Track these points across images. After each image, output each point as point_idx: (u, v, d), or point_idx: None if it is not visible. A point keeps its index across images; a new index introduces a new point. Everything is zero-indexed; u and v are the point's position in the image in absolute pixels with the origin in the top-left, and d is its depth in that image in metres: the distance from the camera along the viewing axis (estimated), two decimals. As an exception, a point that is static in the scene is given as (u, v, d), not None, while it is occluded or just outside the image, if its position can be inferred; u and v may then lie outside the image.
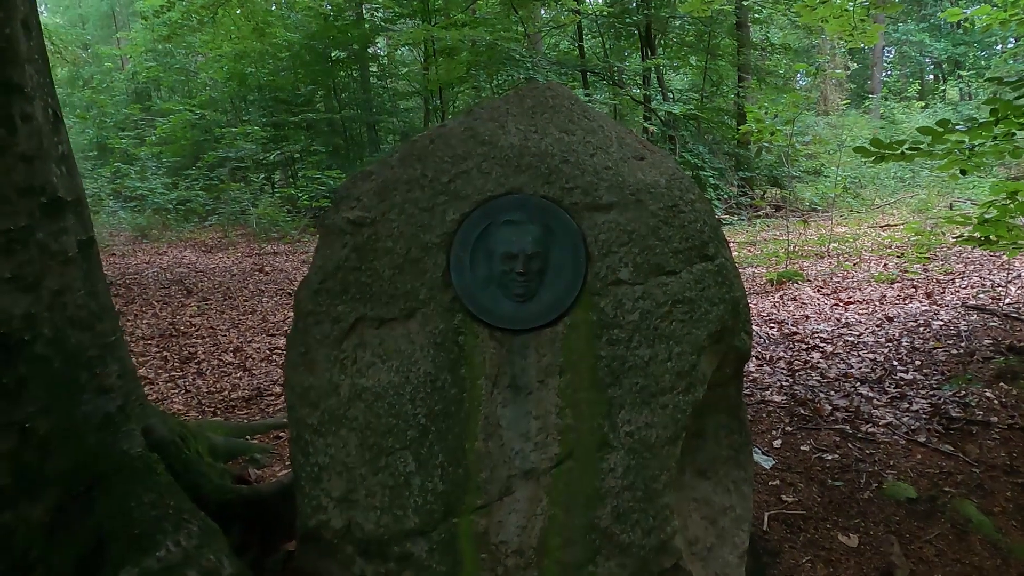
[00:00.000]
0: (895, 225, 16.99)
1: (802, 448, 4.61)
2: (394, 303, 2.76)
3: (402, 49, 24.41)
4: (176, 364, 7.57)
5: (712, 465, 3.27)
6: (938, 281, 9.68)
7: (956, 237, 6.74)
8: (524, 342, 2.59)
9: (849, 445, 4.66)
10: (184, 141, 22.08)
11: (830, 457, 4.49)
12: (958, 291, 8.93)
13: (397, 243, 2.83)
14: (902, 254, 12.31)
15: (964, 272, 10.23)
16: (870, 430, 4.84)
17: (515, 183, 2.66)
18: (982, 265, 11.00)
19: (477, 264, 2.53)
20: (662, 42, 22.41)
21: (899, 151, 5.58)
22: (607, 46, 22.85)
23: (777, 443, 4.64)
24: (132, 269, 14.72)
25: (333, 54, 21.86)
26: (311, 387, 2.91)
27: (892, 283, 9.88)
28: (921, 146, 5.47)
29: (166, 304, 10.93)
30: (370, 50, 23.00)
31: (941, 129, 5.17)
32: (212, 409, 5.75)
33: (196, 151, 22.50)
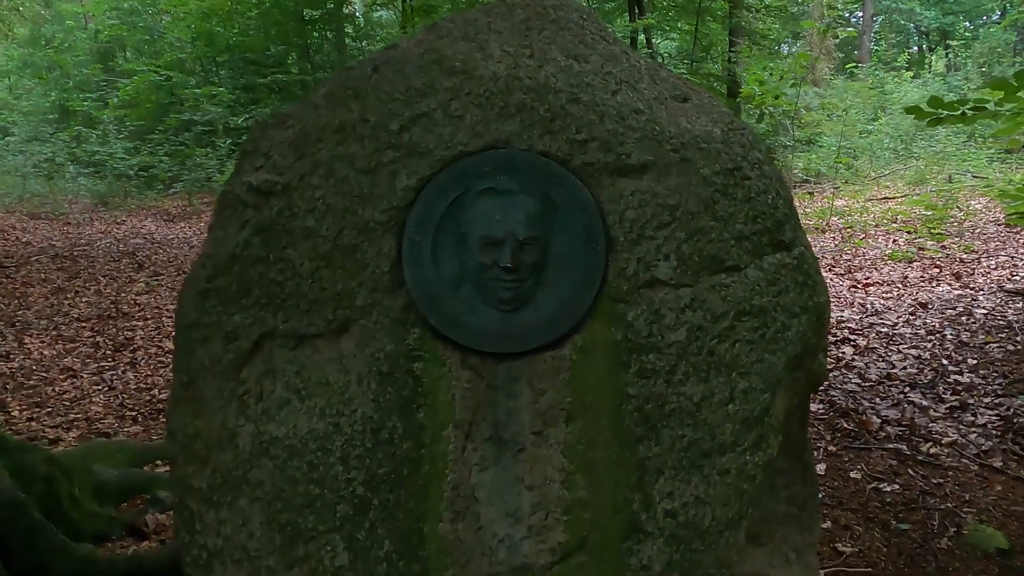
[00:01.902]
0: (895, 197, 16.13)
1: (852, 475, 3.72)
2: (318, 312, 1.88)
3: (380, 12, 23.12)
4: (109, 352, 6.57)
5: (767, 527, 2.33)
6: (962, 260, 8.80)
7: (1011, 214, 5.83)
8: (513, 372, 1.87)
9: (909, 471, 3.76)
10: (148, 104, 20.82)
11: (889, 489, 3.59)
12: (988, 272, 8.05)
13: (322, 222, 1.87)
14: (911, 230, 11.42)
15: (988, 251, 9.35)
16: (932, 451, 3.95)
17: (500, 132, 1.88)
18: (1003, 243, 10.16)
19: (443, 254, 1.85)
20: (651, 3, 21.27)
21: (959, 111, 4.66)
22: (591, 6, 21.71)
23: (821, 467, 3.73)
24: (84, 240, 13.64)
25: (306, 13, 20.59)
26: (197, 434, 1.95)
27: (910, 262, 8.99)
28: (987, 105, 4.54)
29: (113, 280, 9.90)
30: (345, 10, 21.73)
31: (1016, 84, 4.23)
32: (135, 414, 4.79)
33: (162, 114, 21.22)
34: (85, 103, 22.53)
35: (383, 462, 1.84)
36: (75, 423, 4.90)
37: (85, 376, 6.01)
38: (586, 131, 1.84)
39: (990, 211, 12.53)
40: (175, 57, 22.83)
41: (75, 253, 11.96)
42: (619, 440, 1.78)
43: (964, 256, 9.22)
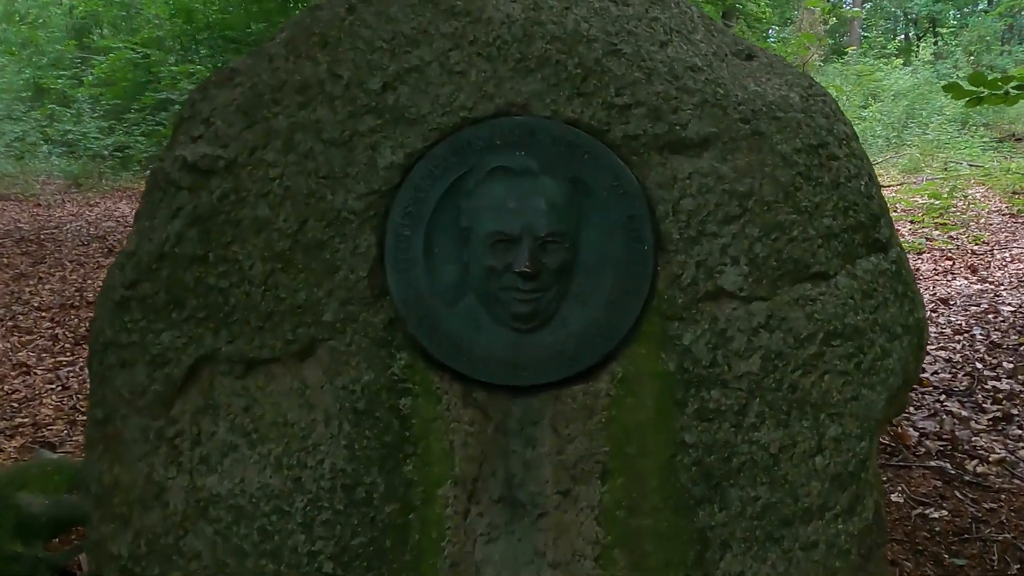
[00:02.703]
0: (891, 186, 15.78)
1: (893, 498, 3.28)
2: (273, 330, 1.49)
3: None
4: (68, 346, 6.06)
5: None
6: (974, 252, 8.41)
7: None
8: (531, 413, 1.49)
9: (956, 494, 3.32)
10: (125, 82, 20.15)
11: (937, 515, 3.16)
12: (1004, 265, 7.66)
13: (279, 210, 1.45)
14: (916, 219, 11.06)
15: (999, 242, 8.98)
16: (979, 470, 3.50)
17: (515, 93, 1.49)
18: (1013, 234, 9.80)
19: (439, 254, 1.48)
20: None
21: (1003, 90, 4.23)
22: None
23: (858, 489, 3.26)
24: (54, 223, 13.07)
25: (288, -11, 19.98)
26: (116, 486, 1.50)
27: (919, 253, 8.59)
28: (1034, 82, 4.11)
29: (80, 265, 9.36)
30: (330, -14, 21.10)
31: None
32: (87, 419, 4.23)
33: (138, 93, 20.57)
34: (59, 81, 21.85)
35: (359, 530, 1.39)
36: (20, 429, 4.40)
37: (39, 373, 5.51)
38: (629, 93, 1.42)
39: (990, 200, 12.20)
40: (153, 34, 22.11)
41: (42, 236, 11.41)
42: (671, 503, 1.35)
43: (975, 248, 8.85)
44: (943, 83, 4.90)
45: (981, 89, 4.41)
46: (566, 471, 1.43)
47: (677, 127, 1.47)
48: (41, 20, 27.02)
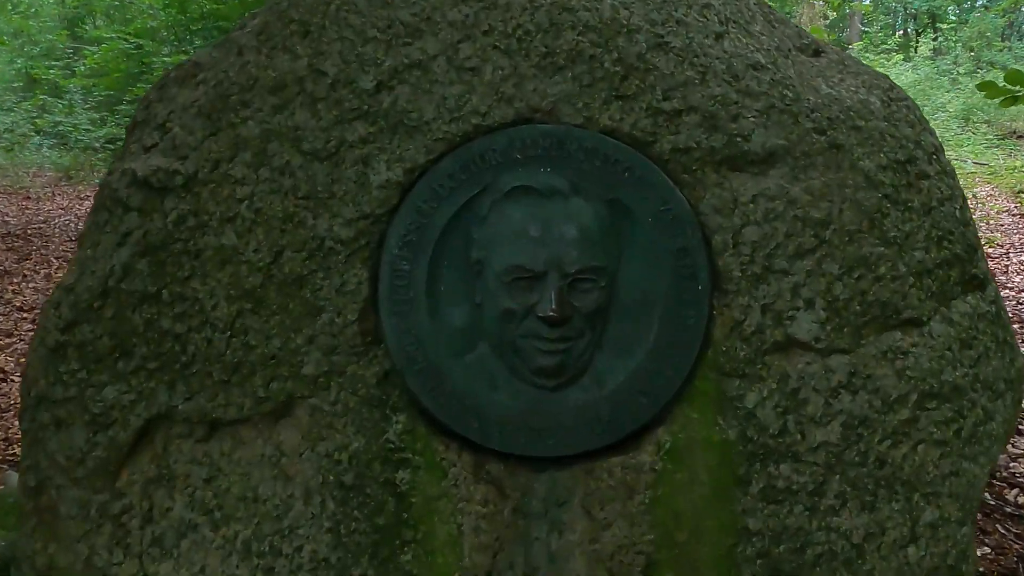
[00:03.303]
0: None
1: None
2: (242, 384, 1.24)
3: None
4: (48, 351, 5.72)
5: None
6: (989, 256, 8.14)
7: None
8: (559, 490, 1.24)
9: (999, 528, 3.03)
10: (117, 73, 19.86)
11: (979, 553, 2.86)
12: (1022, 269, 7.39)
13: (248, 238, 1.22)
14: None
15: (1012, 244, 8.71)
16: (1021, 500, 3.22)
17: (540, 96, 1.25)
18: (1021, 236, 9.55)
19: (446, 294, 1.26)
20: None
21: None
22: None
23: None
24: (42, 216, 12.77)
25: (285, -22, 19.74)
26: (52, 568, 1.24)
27: (932, 256, 8.30)
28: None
29: (67, 263, 9.04)
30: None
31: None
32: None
33: (131, 84, 20.27)
34: (51, 71, 21.56)
35: (345, 636, 1.11)
36: (-10, 446, 4.10)
37: (13, 382, 5.21)
38: (679, 96, 1.18)
39: (997, 199, 11.96)
40: (146, 24, 21.82)
41: (29, 231, 11.11)
42: (732, 605, 1.07)
43: (990, 251, 8.58)
44: (979, 82, 4.62)
45: (1018, 88, 4.12)
46: (602, 564, 1.18)
47: (738, 138, 1.22)
48: (33, 9, 26.69)
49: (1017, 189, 11.97)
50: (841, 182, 1.22)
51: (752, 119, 1.22)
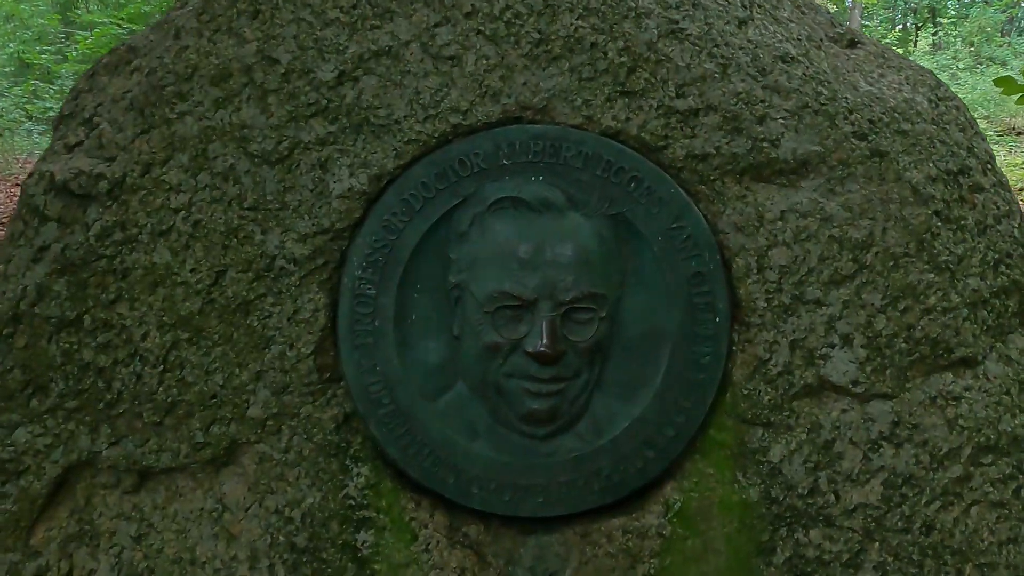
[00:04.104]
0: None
1: None
2: (177, 428, 1.07)
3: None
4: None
5: None
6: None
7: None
8: (548, 557, 1.07)
9: None
10: (110, 58, 19.76)
11: None
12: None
13: (184, 255, 1.06)
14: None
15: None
16: None
17: (531, 90, 1.08)
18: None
19: (418, 323, 1.10)
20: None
21: None
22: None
23: None
24: (29, 204, 12.62)
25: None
26: None
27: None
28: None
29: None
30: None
31: None
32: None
33: (125, 69, 20.23)
34: (43, 56, 21.35)
35: None
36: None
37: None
38: (696, 93, 1.04)
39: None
40: (139, 9, 21.61)
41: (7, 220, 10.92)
42: None
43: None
44: (996, 77, 4.43)
45: (1036, 84, 3.93)
46: (598, 647, 0.98)
47: (765, 144, 1.05)
48: (26, -8, 26.49)
49: (1019, 187, 11.83)
50: (885, 196, 1.05)
51: (781, 121, 1.05)
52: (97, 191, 1.04)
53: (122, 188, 1.04)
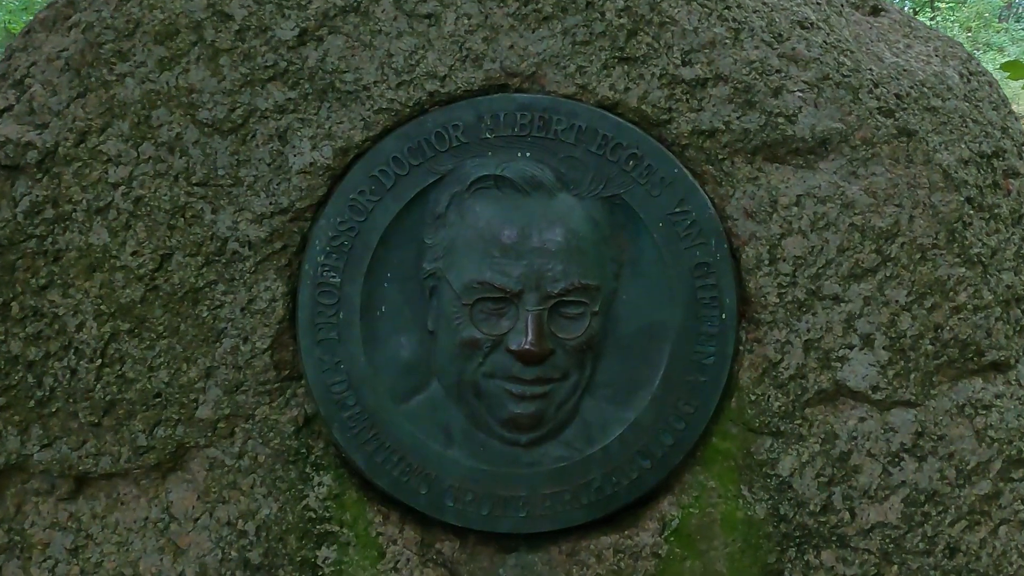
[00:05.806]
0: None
1: None
2: (117, 428, 0.99)
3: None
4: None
5: None
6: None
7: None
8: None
9: None
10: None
11: None
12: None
13: (124, 236, 0.97)
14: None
15: None
16: None
17: (518, 54, 1.00)
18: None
19: (388, 316, 1.04)
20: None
21: None
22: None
23: None
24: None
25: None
26: None
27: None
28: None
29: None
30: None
31: None
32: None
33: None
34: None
35: None
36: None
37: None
38: (704, 60, 1.01)
39: (1004, 191, 12.02)
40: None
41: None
42: None
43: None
44: (1003, 62, 4.39)
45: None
46: (585, 677, 0.91)
47: (780, 119, 1.00)
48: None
49: (1015, 172, 12.09)
50: (912, 180, 0.98)
51: (799, 94, 0.98)
52: (26, 162, 0.97)
53: (54, 159, 0.97)
